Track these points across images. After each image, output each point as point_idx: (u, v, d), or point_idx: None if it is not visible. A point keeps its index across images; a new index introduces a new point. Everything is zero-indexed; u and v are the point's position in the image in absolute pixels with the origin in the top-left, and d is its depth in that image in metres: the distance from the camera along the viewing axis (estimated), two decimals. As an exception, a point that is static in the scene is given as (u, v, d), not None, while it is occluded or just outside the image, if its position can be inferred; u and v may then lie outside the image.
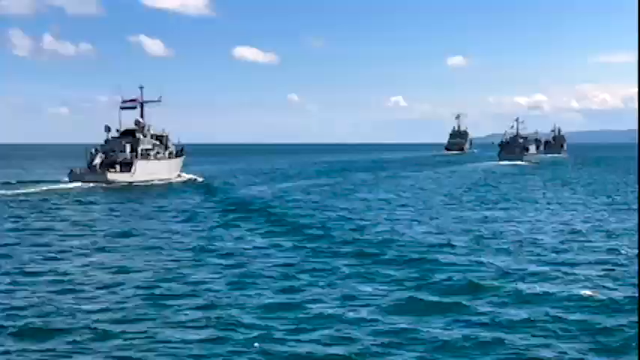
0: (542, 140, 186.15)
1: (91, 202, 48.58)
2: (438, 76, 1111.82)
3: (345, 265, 23.70)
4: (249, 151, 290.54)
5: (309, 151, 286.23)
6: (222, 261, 24.71)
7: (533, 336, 15.41)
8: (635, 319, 16.09)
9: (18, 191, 55.00)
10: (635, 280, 20.59)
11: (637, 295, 18.47)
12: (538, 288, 19.84)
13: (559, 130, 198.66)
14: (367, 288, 20.12)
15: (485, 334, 15.41)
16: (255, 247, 27.92)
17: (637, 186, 61.45)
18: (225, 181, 73.09)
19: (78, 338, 15.36)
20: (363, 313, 17.35)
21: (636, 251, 25.28)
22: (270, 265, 23.97)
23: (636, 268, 22.47)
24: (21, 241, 29.93)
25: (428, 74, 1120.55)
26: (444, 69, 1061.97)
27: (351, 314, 17.17)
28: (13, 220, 37.86)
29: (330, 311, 17.44)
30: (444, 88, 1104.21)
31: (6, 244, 28.81)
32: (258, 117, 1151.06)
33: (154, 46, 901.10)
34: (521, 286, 20.13)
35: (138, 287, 20.37)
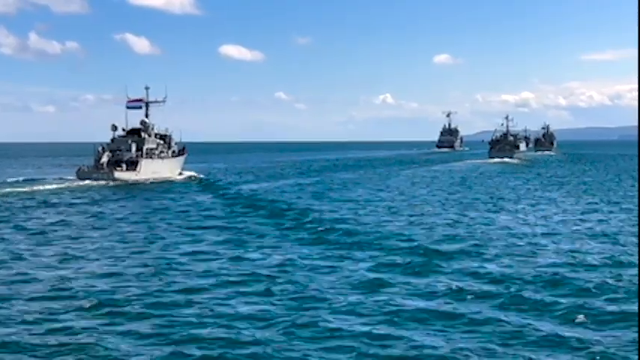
0: (532, 138, 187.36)
1: (102, 201, 49.72)
2: (425, 74, 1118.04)
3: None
4: (240, 149, 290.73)
5: (298, 149, 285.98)
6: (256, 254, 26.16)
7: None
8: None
9: (25, 189, 55.95)
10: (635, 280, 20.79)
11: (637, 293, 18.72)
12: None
13: (548, 128, 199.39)
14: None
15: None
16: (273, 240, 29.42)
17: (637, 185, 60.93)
18: (223, 179, 74.45)
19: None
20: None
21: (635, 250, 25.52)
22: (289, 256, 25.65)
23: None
24: (38, 238, 30.66)
25: (415, 72, 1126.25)
26: (431, 67, 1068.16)
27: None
28: (26, 218, 38.66)
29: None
30: (432, 85, 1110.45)
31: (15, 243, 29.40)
32: (247, 115, 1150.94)
33: (140, 44, 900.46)
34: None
35: (167, 281, 21.63)
